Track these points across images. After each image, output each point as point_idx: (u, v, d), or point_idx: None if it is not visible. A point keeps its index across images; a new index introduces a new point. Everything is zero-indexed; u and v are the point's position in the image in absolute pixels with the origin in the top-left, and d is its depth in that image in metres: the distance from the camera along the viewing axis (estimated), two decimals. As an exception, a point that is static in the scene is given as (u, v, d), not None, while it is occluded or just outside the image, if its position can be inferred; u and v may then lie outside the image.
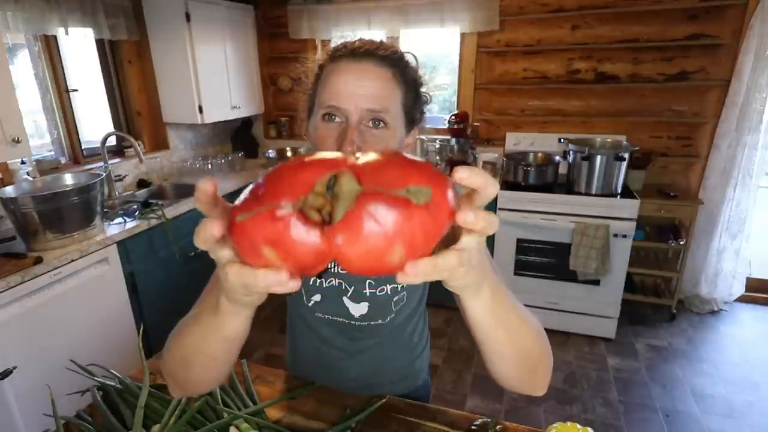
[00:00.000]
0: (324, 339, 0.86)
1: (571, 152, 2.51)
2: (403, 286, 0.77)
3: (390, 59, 0.62)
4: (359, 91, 0.59)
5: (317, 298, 0.82)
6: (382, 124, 0.61)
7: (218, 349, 0.51)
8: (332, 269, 0.80)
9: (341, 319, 0.82)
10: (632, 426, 1.97)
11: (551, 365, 0.58)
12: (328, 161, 0.31)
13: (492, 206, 2.54)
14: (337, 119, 0.61)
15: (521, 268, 2.60)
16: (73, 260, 1.74)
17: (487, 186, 0.33)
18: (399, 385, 0.92)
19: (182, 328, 0.55)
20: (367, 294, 0.80)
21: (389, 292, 0.79)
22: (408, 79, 0.64)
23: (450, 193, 0.31)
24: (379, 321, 0.83)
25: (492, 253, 2.61)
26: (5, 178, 1.97)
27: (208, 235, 0.32)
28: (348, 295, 0.79)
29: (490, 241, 2.60)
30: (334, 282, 0.81)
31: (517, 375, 0.54)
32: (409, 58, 0.66)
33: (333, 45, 0.67)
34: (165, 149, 2.92)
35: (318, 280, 0.81)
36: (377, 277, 0.78)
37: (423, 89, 0.69)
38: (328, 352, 0.87)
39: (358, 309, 0.81)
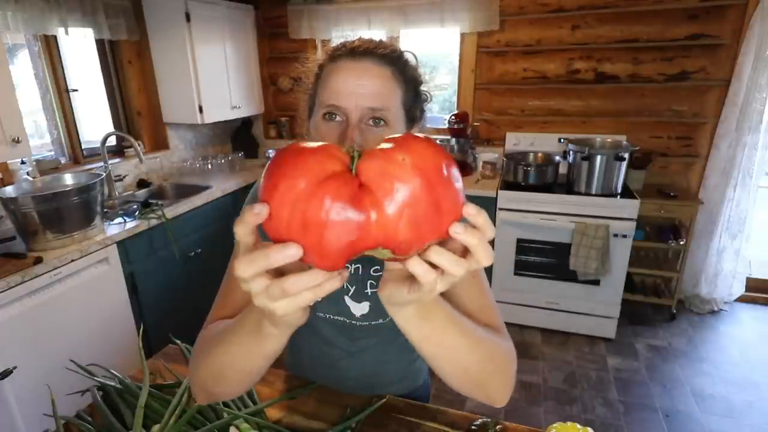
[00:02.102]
0: (325, 339, 0.86)
1: (571, 152, 2.51)
2: None
3: (389, 58, 0.62)
4: (359, 89, 0.59)
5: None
6: (382, 123, 0.61)
7: (256, 366, 0.52)
8: None
9: (342, 319, 0.82)
10: (632, 426, 1.97)
11: (509, 381, 0.60)
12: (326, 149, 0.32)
13: (492, 206, 2.55)
14: (338, 118, 0.61)
15: (521, 268, 2.60)
16: (73, 260, 1.74)
17: (487, 229, 0.35)
18: (399, 385, 0.92)
19: (216, 343, 0.56)
20: (369, 293, 0.80)
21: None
22: (407, 77, 0.64)
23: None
24: (380, 321, 0.83)
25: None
26: (5, 178, 1.97)
27: (254, 217, 0.32)
28: (349, 294, 0.79)
29: (491, 241, 2.60)
30: None
31: (460, 388, 0.56)
32: (408, 56, 0.66)
33: (332, 45, 0.67)
34: (165, 149, 2.92)
35: None
36: (378, 276, 0.79)
37: (423, 87, 0.69)
38: (328, 352, 0.87)
39: (359, 309, 0.81)
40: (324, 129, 0.62)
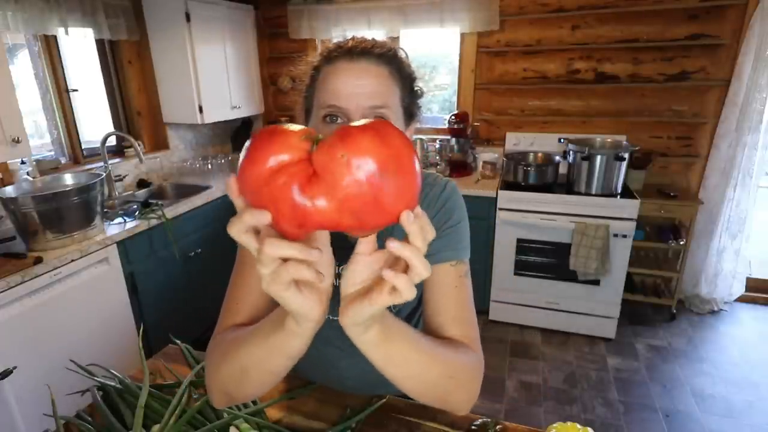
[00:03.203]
0: (325, 339, 0.86)
1: (571, 152, 2.51)
2: None
3: (386, 57, 0.62)
4: (359, 90, 0.60)
5: None
6: (381, 117, 0.61)
7: (281, 366, 0.53)
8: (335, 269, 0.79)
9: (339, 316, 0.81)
10: (632, 426, 1.97)
11: (472, 395, 0.62)
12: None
13: (492, 206, 2.55)
14: (339, 120, 0.61)
15: (521, 268, 2.60)
16: (73, 260, 1.74)
17: (417, 240, 0.37)
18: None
19: (239, 345, 0.56)
20: None
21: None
22: (404, 75, 0.65)
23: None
24: None
25: (492, 253, 2.62)
26: (5, 178, 1.97)
27: (229, 190, 0.37)
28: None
29: (490, 240, 2.61)
30: (335, 282, 0.80)
31: (422, 400, 0.58)
32: (402, 54, 0.67)
33: (326, 47, 0.66)
34: (165, 149, 2.92)
35: None
36: None
37: (417, 84, 0.69)
38: (328, 352, 0.87)
39: None
40: (324, 130, 0.62)
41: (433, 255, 0.67)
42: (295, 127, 0.37)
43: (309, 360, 0.91)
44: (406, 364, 0.52)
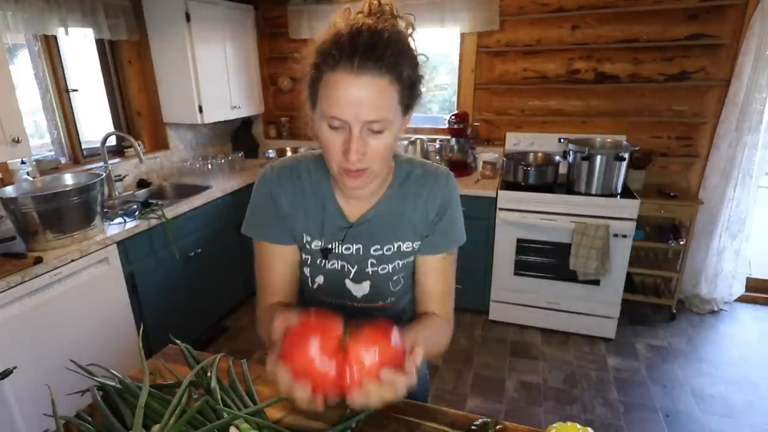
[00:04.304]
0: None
1: (571, 152, 2.51)
2: (401, 267, 0.83)
3: (387, 64, 0.62)
4: (359, 105, 0.63)
5: (320, 280, 0.86)
6: (380, 132, 0.66)
7: None
8: (335, 250, 0.83)
9: (344, 302, 0.85)
10: (632, 426, 1.97)
11: (441, 351, 0.83)
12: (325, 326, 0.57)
13: (492, 206, 2.55)
14: (340, 128, 0.66)
15: (521, 268, 2.60)
16: (73, 260, 1.74)
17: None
18: None
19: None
20: (370, 273, 0.84)
21: (390, 271, 0.83)
22: (404, 76, 0.66)
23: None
24: (380, 303, 0.86)
25: (492, 253, 2.62)
26: (5, 178, 1.97)
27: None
28: (350, 277, 0.82)
29: (490, 240, 2.61)
30: (336, 265, 0.84)
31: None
32: (405, 48, 0.66)
33: (324, 40, 0.66)
34: (165, 149, 2.92)
35: (323, 261, 0.84)
36: (380, 256, 0.83)
37: (419, 72, 0.69)
38: None
39: (360, 289, 0.84)
40: (328, 137, 0.67)
41: (429, 247, 0.81)
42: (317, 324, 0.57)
43: None
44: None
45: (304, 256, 0.84)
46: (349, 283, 0.83)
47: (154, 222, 2.09)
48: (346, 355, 0.53)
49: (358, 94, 0.62)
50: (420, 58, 0.69)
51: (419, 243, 0.82)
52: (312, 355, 0.53)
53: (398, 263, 0.82)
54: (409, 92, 0.69)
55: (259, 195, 0.82)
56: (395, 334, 0.57)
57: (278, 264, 0.81)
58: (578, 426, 0.69)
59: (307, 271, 0.85)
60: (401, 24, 0.67)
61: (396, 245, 0.82)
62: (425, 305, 0.85)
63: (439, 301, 0.82)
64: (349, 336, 0.55)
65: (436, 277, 0.82)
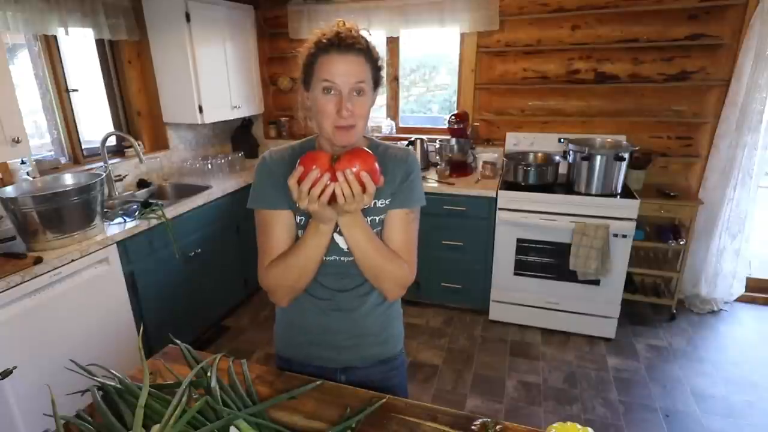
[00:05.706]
0: (317, 284, 0.98)
1: (571, 152, 2.51)
2: (378, 222, 0.97)
3: (362, 50, 0.87)
4: (347, 73, 0.85)
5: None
6: (362, 92, 0.87)
7: (321, 256, 0.90)
8: None
9: (333, 257, 0.96)
10: (632, 426, 1.97)
11: (397, 288, 0.96)
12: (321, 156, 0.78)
13: (492, 206, 2.55)
14: (333, 92, 0.86)
15: (521, 268, 2.60)
16: (73, 260, 1.74)
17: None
18: (379, 349, 1.07)
19: (294, 255, 0.90)
20: None
21: (368, 223, 0.94)
22: (373, 59, 0.90)
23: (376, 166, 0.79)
24: None
25: (492, 252, 2.62)
26: (5, 178, 1.97)
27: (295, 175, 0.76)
28: (337, 230, 0.92)
29: (490, 240, 2.61)
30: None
31: (366, 277, 0.95)
32: (372, 45, 0.90)
33: (317, 36, 0.88)
34: (165, 149, 2.92)
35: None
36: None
37: (380, 63, 0.93)
38: (320, 298, 1.00)
39: (344, 241, 0.94)
40: (323, 102, 0.86)
41: (396, 201, 0.95)
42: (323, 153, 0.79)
43: (301, 319, 1.03)
44: (361, 246, 0.88)
45: (297, 217, 0.95)
46: (336, 237, 0.94)
47: (154, 222, 2.09)
48: (337, 167, 0.76)
49: (345, 67, 0.85)
50: (380, 52, 0.93)
51: (390, 200, 0.96)
52: (313, 168, 0.75)
53: (375, 218, 0.96)
54: (377, 74, 0.92)
55: (258, 174, 0.97)
56: (372, 156, 0.78)
57: (278, 228, 0.94)
58: (578, 426, 0.70)
59: (301, 233, 0.96)
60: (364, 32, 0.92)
61: (373, 201, 0.94)
62: None
63: (402, 249, 0.96)
64: (338, 156, 0.77)
65: (401, 228, 0.96)
